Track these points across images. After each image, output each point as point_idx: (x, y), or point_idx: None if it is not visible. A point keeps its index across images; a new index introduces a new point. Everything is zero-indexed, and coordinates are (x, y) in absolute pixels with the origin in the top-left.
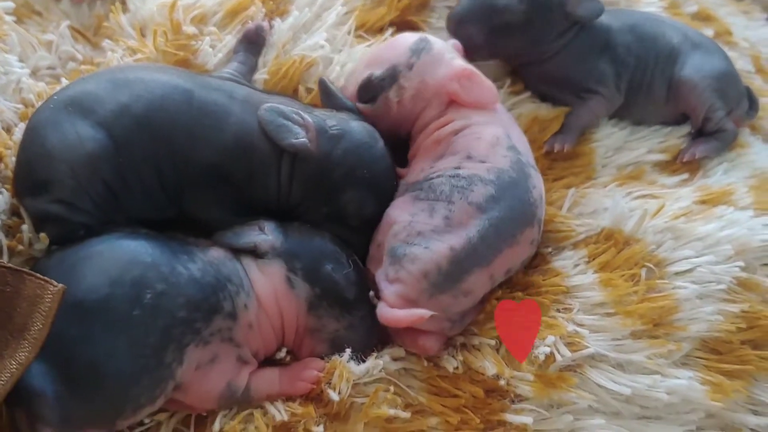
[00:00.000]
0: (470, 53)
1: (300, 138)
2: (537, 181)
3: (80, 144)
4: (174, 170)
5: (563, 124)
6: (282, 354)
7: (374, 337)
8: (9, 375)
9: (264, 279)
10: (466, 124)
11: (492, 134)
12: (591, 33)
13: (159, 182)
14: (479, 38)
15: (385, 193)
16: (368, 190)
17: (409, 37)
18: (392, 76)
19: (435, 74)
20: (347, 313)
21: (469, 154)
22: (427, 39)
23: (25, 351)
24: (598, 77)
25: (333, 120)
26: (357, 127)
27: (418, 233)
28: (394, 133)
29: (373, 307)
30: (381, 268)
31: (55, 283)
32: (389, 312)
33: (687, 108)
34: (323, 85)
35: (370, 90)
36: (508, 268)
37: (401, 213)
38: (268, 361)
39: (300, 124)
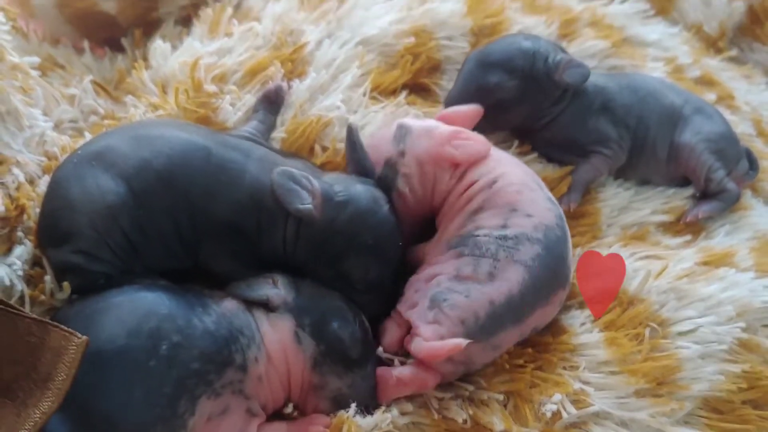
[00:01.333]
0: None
1: (306, 204)
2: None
3: (101, 196)
4: (191, 223)
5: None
6: (289, 409)
7: (375, 397)
8: (32, 424)
9: (274, 333)
10: (493, 176)
11: (520, 179)
12: (586, 96)
13: (177, 234)
14: (487, 114)
15: (390, 257)
16: (372, 256)
17: (387, 131)
18: (392, 169)
19: (427, 149)
20: (350, 371)
21: (514, 208)
22: (403, 123)
23: (49, 401)
24: (598, 137)
25: (340, 186)
26: (363, 192)
27: (461, 283)
28: (421, 217)
29: (376, 365)
30: (416, 309)
31: (79, 334)
32: (427, 345)
33: (687, 171)
34: (351, 134)
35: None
36: (535, 327)
37: (445, 267)
38: (276, 416)
39: (308, 190)
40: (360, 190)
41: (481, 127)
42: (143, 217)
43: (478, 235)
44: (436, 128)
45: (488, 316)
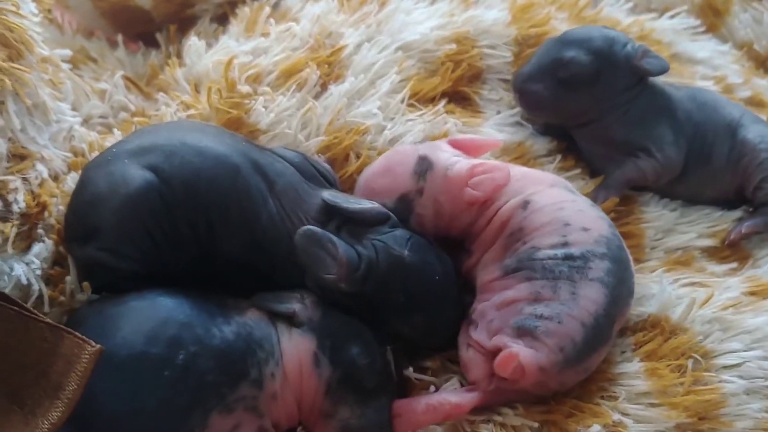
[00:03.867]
0: (534, 113)
1: (330, 274)
2: None
3: (125, 187)
4: (210, 239)
5: (607, 178)
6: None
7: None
8: None
9: (294, 350)
10: (524, 198)
11: (556, 195)
12: (653, 94)
13: (197, 245)
14: (545, 94)
15: (429, 301)
16: (408, 310)
17: (407, 160)
18: (406, 208)
19: (447, 191)
20: (362, 402)
21: (567, 222)
22: (426, 157)
23: (59, 411)
24: (654, 139)
25: (360, 249)
26: (382, 250)
27: (547, 307)
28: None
29: (391, 399)
30: (501, 337)
31: (93, 343)
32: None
33: (744, 170)
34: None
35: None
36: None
37: (519, 293)
38: None
39: (333, 256)
40: (387, 242)
41: (542, 111)
42: (166, 222)
43: (542, 258)
44: (453, 167)
45: (583, 341)
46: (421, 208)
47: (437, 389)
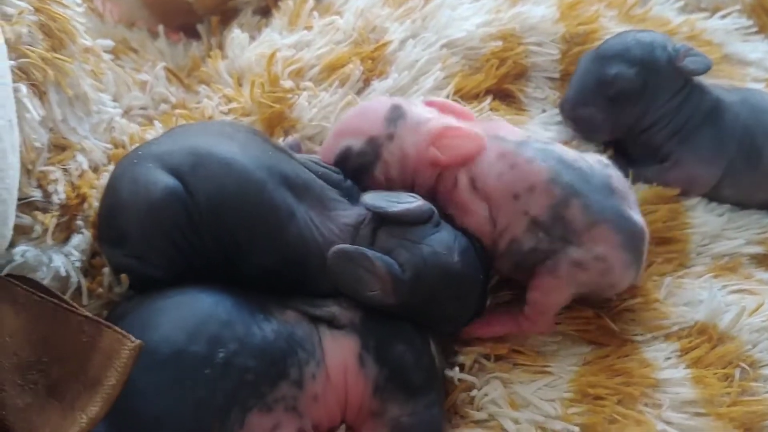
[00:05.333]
0: (592, 137)
1: (375, 291)
2: None
3: (147, 193)
4: (237, 254)
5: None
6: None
7: (438, 427)
8: (78, 429)
9: (337, 351)
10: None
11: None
12: (700, 98)
13: (224, 259)
14: (599, 116)
15: (474, 304)
16: (458, 308)
17: (381, 106)
18: (374, 151)
19: (414, 144)
20: (412, 399)
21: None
22: (400, 106)
23: (97, 406)
24: (685, 150)
25: (404, 254)
26: (431, 255)
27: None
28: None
29: (440, 394)
30: None
31: (133, 338)
32: None
33: None
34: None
35: (352, 163)
36: None
37: None
38: None
39: (371, 272)
40: (435, 246)
41: (599, 133)
42: (190, 232)
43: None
44: (426, 123)
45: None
46: (389, 155)
47: (479, 390)
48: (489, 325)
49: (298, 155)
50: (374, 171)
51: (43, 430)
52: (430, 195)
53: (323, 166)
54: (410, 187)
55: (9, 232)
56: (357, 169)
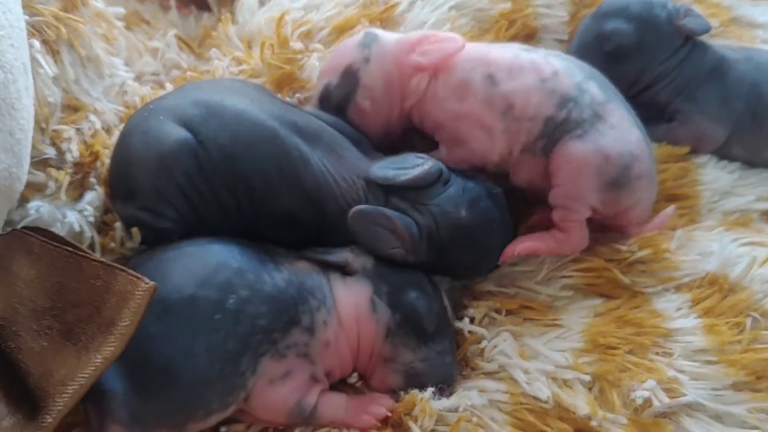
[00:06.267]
0: None
1: (396, 249)
2: None
3: (158, 145)
4: (250, 203)
5: None
6: (353, 379)
7: (450, 375)
8: (93, 368)
9: (349, 297)
10: (486, 71)
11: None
12: (703, 55)
13: (237, 209)
14: (597, 69)
15: (493, 249)
16: (476, 257)
17: (353, 38)
18: (353, 80)
19: (393, 57)
20: (424, 344)
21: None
22: (373, 31)
23: (111, 346)
24: (691, 106)
25: (416, 216)
26: (449, 209)
27: None
28: (382, 128)
29: (452, 343)
30: None
31: (147, 279)
32: None
33: None
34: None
35: (333, 100)
36: None
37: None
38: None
39: (391, 229)
40: (444, 205)
41: None
42: (202, 183)
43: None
44: (401, 38)
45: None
46: (368, 78)
47: (489, 342)
48: (520, 242)
49: (306, 108)
50: (356, 99)
51: (59, 372)
52: (434, 127)
53: (335, 118)
54: (398, 110)
55: (24, 175)
56: (339, 103)
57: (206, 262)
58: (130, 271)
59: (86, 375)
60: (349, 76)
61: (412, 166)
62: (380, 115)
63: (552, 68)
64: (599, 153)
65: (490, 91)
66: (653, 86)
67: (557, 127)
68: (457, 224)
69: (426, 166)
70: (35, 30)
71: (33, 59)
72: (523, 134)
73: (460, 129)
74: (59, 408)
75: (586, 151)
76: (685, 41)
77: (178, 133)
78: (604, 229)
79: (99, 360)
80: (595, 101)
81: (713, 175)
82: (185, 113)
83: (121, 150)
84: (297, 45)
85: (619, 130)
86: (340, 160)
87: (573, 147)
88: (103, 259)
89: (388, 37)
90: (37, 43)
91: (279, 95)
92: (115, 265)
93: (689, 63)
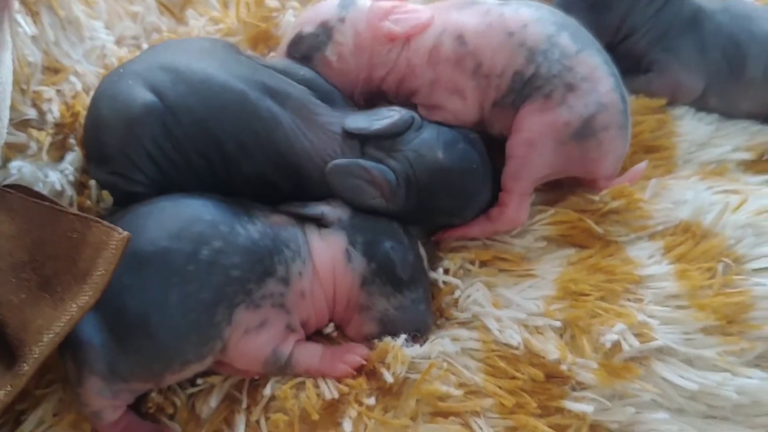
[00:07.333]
0: None
1: (376, 199)
2: None
3: (125, 110)
4: (225, 169)
5: None
6: (330, 329)
7: (425, 323)
8: (68, 317)
9: (324, 248)
10: (456, 31)
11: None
12: (680, 5)
13: (211, 173)
14: (580, 20)
15: (474, 191)
16: (458, 208)
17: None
18: (326, 33)
19: (368, 23)
20: (399, 293)
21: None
22: None
23: (86, 295)
24: (668, 56)
25: (392, 163)
26: (416, 161)
27: None
28: (350, 93)
29: (430, 294)
30: None
31: (121, 230)
32: None
33: None
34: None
35: (302, 47)
36: None
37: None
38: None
39: (368, 180)
40: (418, 149)
41: None
42: (171, 149)
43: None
44: (376, 4)
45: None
46: (341, 36)
47: (462, 292)
48: (461, 228)
49: (272, 60)
50: (325, 52)
51: (36, 322)
52: (410, 94)
53: (314, 72)
54: (366, 73)
55: (3, 129)
56: (307, 52)
57: (180, 216)
58: (105, 222)
59: (62, 324)
60: (324, 30)
61: (385, 116)
62: (346, 74)
63: (521, 21)
64: (558, 121)
65: (459, 51)
66: (630, 36)
67: (526, 83)
68: (433, 167)
69: (398, 115)
70: None
71: (12, 19)
72: (493, 90)
73: (435, 94)
74: (35, 356)
75: (543, 122)
76: None
77: (145, 97)
78: (577, 182)
79: (74, 309)
80: (565, 54)
81: (690, 127)
82: (154, 77)
83: (92, 115)
84: (273, 3)
85: (590, 81)
86: (313, 117)
87: (531, 120)
88: (78, 212)
89: (364, 1)
90: (15, 3)
91: (249, 51)
92: (90, 217)
93: (666, 13)
